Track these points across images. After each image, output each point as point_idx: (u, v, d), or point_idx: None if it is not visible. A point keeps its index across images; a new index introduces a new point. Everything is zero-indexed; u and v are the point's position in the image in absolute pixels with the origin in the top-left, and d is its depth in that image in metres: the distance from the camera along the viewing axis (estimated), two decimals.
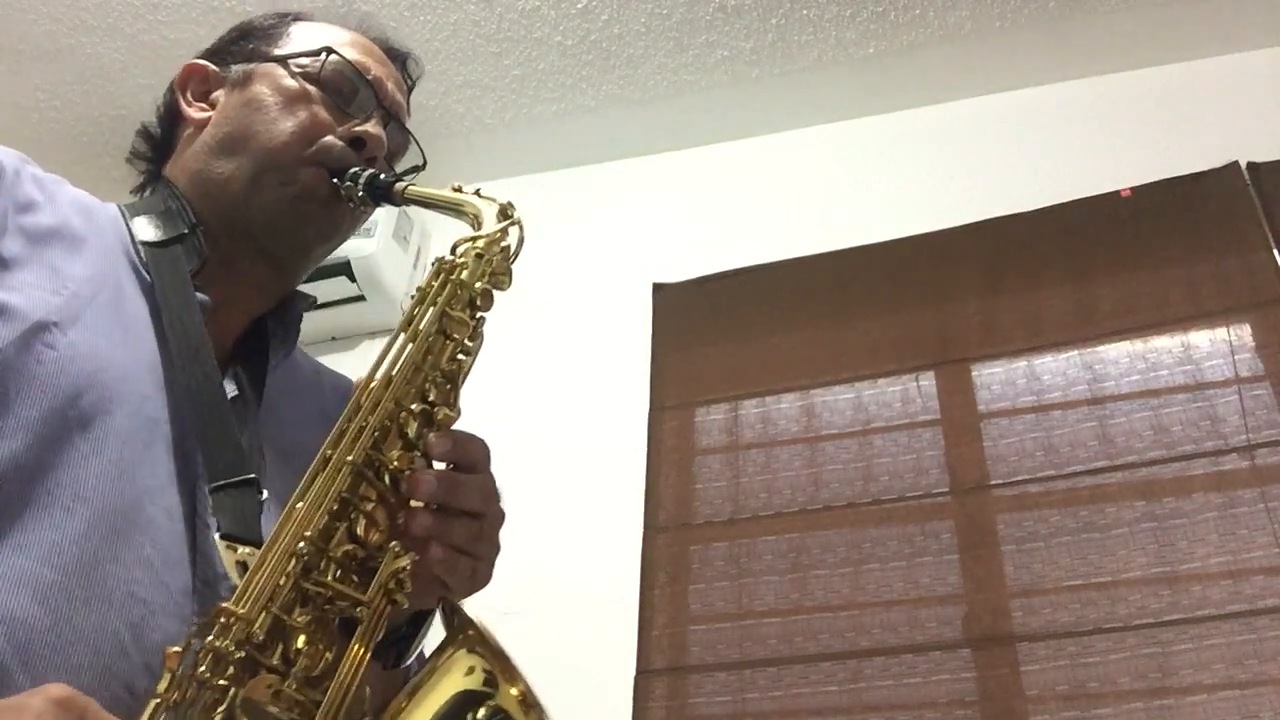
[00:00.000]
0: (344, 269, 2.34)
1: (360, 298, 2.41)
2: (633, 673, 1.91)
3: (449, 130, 2.54)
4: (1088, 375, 1.99)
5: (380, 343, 2.94)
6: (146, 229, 0.91)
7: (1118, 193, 2.17)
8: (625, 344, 2.34)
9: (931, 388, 2.08)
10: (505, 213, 0.95)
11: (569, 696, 2.04)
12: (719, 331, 2.29)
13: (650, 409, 2.21)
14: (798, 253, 2.33)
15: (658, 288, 2.39)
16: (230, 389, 0.90)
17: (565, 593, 1.97)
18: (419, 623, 0.88)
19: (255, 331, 0.98)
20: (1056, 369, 2.01)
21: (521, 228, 0.95)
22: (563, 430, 2.25)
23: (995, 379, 2.04)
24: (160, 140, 1.04)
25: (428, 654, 0.84)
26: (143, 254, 0.89)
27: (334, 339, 2.49)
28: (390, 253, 2.43)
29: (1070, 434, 1.93)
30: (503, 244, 0.93)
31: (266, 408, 0.93)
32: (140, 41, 2.36)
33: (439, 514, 0.79)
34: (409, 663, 0.88)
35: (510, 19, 2.33)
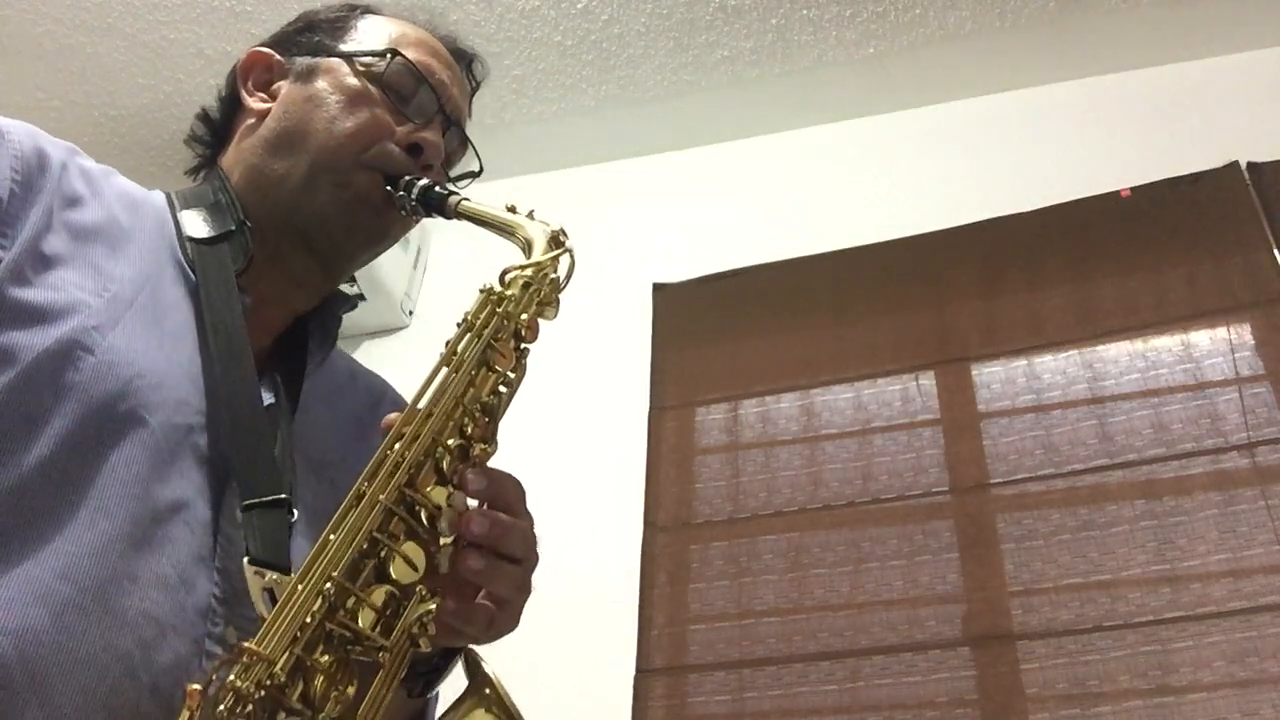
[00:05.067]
0: None
1: (360, 297, 2.40)
2: (632, 672, 1.90)
3: None
4: (1088, 374, 1.99)
5: (380, 343, 2.95)
6: (195, 224, 0.89)
7: (1118, 193, 2.17)
8: (625, 344, 2.34)
9: (931, 387, 2.08)
10: (557, 240, 0.93)
11: (569, 695, 2.06)
12: (719, 331, 2.29)
13: (650, 409, 2.21)
14: (798, 253, 2.33)
15: (658, 288, 2.39)
16: (267, 395, 0.87)
17: (565, 592, 1.97)
18: (450, 654, 0.87)
19: (295, 330, 0.96)
20: (1056, 368, 2.01)
21: (573, 256, 0.92)
22: (563, 430, 2.25)
23: (995, 378, 2.04)
24: (218, 125, 1.02)
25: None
26: (189, 251, 0.87)
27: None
28: (390, 252, 2.41)
29: (1070, 433, 1.93)
30: (552, 274, 0.91)
31: (301, 414, 0.91)
32: (140, 41, 2.37)
33: (488, 555, 0.77)
34: (433, 694, 0.88)
35: (510, 19, 2.33)
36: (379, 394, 1.06)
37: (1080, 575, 1.78)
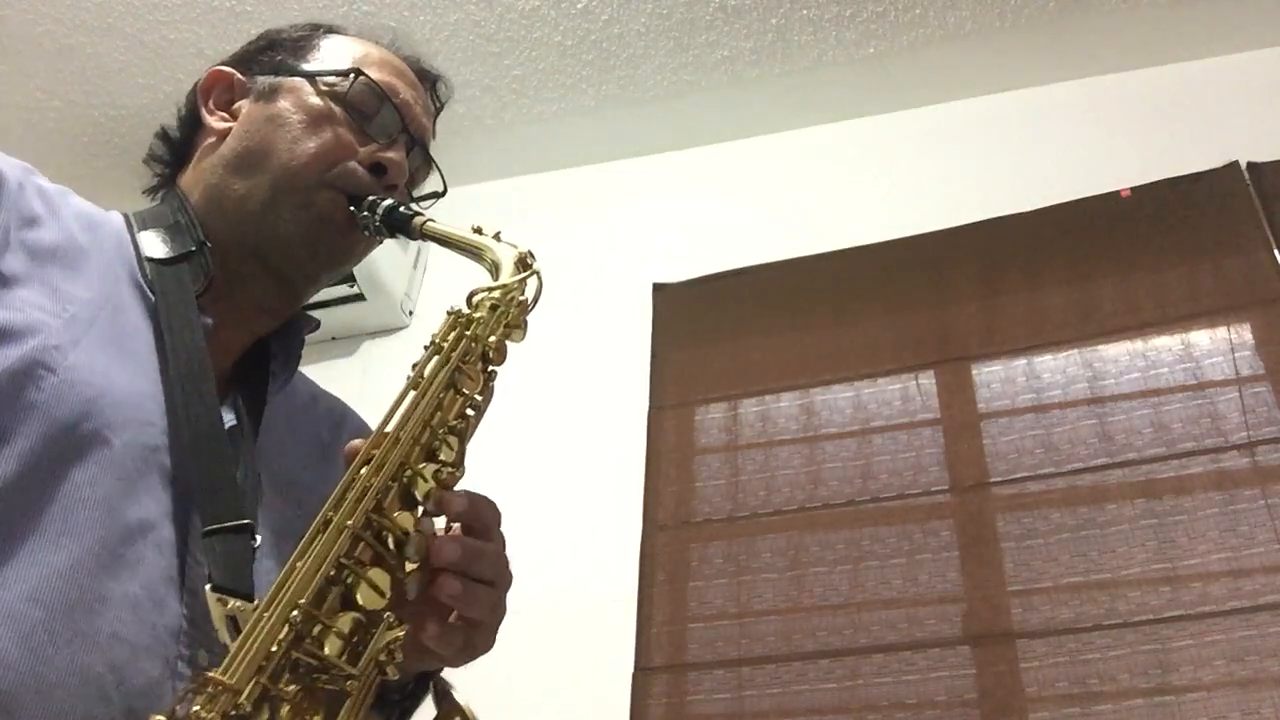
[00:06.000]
0: None
1: (360, 297, 2.41)
2: (631, 669, 1.90)
3: (449, 130, 2.52)
4: (1087, 374, 1.99)
5: (380, 343, 2.94)
6: (153, 244, 0.88)
7: (1117, 193, 2.17)
8: (625, 344, 2.34)
9: (931, 386, 2.08)
10: (524, 262, 0.92)
11: (568, 693, 2.06)
12: (719, 331, 2.29)
13: (650, 408, 2.21)
14: (798, 253, 2.33)
15: (658, 288, 2.39)
16: (229, 417, 0.87)
17: (565, 590, 1.97)
18: (426, 679, 0.86)
19: (257, 352, 0.95)
20: (1056, 367, 2.01)
21: (540, 279, 0.92)
22: (563, 429, 2.25)
23: (995, 377, 2.04)
24: (178, 145, 1.00)
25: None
26: (148, 272, 0.86)
27: (334, 339, 2.50)
28: (390, 253, 2.43)
29: (1070, 432, 1.93)
30: (519, 297, 0.90)
31: (264, 435, 0.90)
32: (140, 41, 2.37)
33: (463, 579, 0.76)
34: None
35: (510, 19, 2.33)
36: (340, 416, 1.05)
37: (1080, 574, 1.78)
